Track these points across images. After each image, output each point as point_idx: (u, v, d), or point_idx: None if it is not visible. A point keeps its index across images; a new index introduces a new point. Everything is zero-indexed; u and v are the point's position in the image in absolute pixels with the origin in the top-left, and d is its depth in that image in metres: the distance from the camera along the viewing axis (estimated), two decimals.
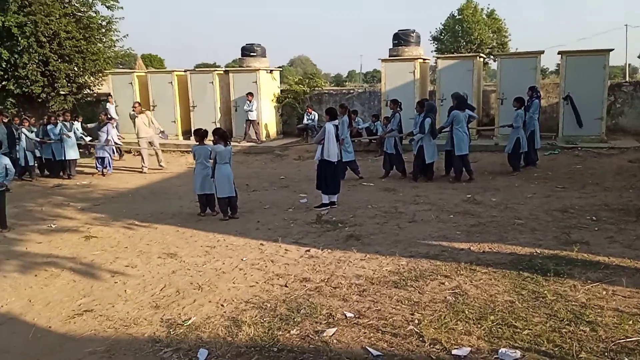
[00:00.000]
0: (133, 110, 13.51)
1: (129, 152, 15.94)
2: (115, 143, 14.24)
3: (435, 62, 14.12)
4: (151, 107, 16.15)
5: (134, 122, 13.53)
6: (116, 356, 4.24)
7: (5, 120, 12.58)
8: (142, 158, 13.60)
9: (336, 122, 8.79)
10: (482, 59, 15.19)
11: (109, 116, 14.84)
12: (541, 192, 9.26)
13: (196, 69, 19.29)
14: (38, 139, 12.64)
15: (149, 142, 13.56)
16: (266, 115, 16.11)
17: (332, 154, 8.64)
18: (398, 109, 11.20)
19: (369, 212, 8.48)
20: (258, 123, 15.62)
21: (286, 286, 5.54)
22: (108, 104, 16.16)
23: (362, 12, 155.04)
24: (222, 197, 8.49)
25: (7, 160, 8.41)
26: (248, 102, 15.27)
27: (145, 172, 13.40)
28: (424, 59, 14.63)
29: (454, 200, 8.98)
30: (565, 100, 12.60)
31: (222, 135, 8.57)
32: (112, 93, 16.91)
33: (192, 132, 13.07)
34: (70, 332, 4.78)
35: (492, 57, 38.69)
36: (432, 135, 10.46)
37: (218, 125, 14.94)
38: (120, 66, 22.36)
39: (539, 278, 5.27)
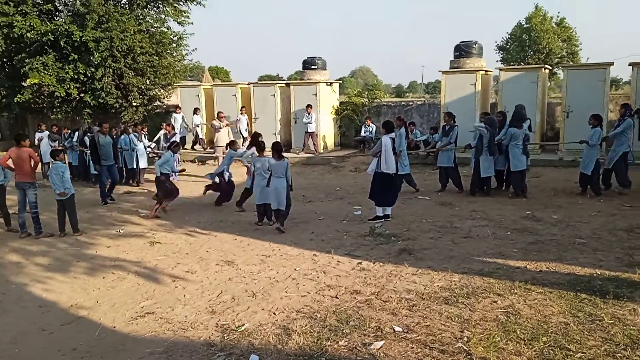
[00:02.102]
0: (218, 120, 14.34)
1: (193, 161, 16.61)
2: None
3: (498, 74, 13.86)
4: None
5: (215, 131, 14.33)
6: (173, 358, 4.49)
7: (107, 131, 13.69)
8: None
9: (393, 135, 8.83)
10: (547, 70, 14.69)
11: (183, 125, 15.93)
12: (606, 210, 8.87)
13: (259, 82, 19.88)
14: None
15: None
16: (324, 127, 16.34)
17: (390, 166, 8.68)
18: (452, 122, 11.10)
19: (424, 227, 8.45)
20: (316, 135, 15.87)
21: (337, 297, 5.64)
22: (175, 114, 16.95)
23: (426, 22, 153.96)
24: (273, 209, 8.76)
25: (66, 171, 8.99)
26: (307, 115, 15.57)
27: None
28: (486, 71, 14.37)
29: (513, 216, 8.77)
30: (636, 114, 11.98)
31: (275, 149, 8.75)
32: (181, 105, 17.72)
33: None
34: (133, 332, 5.09)
35: (560, 66, 37.38)
36: (489, 150, 10.26)
37: (278, 137, 15.37)
38: (189, 78, 23.42)
39: (597, 300, 5.09)
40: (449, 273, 6.14)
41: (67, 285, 6.51)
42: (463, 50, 14.41)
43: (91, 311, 5.69)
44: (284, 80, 18.80)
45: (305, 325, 4.93)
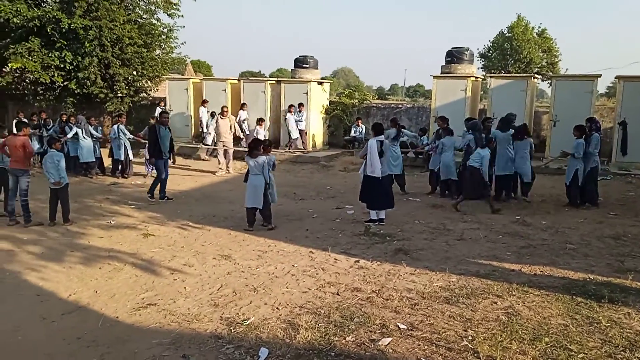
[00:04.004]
0: (221, 115, 14.15)
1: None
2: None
3: (488, 81, 14.13)
4: None
5: (217, 125, 14.13)
6: (182, 349, 4.49)
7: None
8: (218, 161, 14.24)
9: (381, 137, 8.77)
10: (536, 80, 15.04)
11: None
12: (592, 218, 9.12)
13: (250, 78, 19.80)
14: (101, 138, 13.33)
15: (225, 147, 14.05)
16: (314, 125, 16.40)
17: (375, 170, 8.65)
18: (447, 125, 11.26)
19: (417, 228, 8.57)
20: (306, 133, 15.91)
21: (338, 294, 5.69)
22: (202, 107, 16.42)
23: (409, 26, 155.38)
24: (247, 207, 8.60)
25: (62, 159, 8.86)
26: (298, 112, 15.59)
27: (218, 175, 13.99)
28: (476, 77, 14.63)
29: (503, 220, 8.96)
30: (620, 125, 12.36)
31: (249, 147, 8.71)
32: (168, 98, 17.53)
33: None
34: (137, 323, 5.07)
35: (540, 76, 38.24)
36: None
37: (267, 134, 15.35)
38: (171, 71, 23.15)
39: (593, 304, 5.25)
40: (447, 274, 6.26)
41: (63, 274, 6.43)
42: (455, 56, 14.66)
43: (91, 301, 5.63)
44: (272, 79, 18.67)
45: (311, 321, 4.97)
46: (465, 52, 14.72)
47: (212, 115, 15.66)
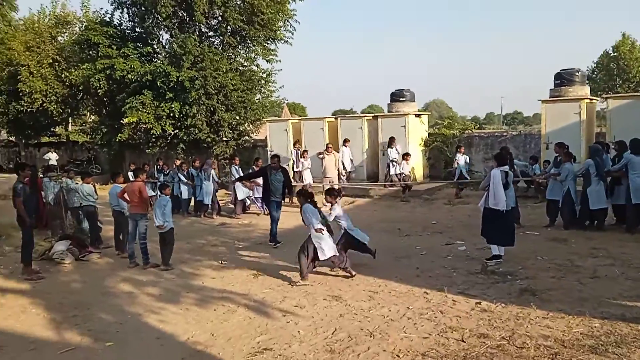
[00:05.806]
0: (326, 151, 14.42)
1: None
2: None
3: (606, 102, 13.03)
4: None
5: (323, 162, 14.36)
6: None
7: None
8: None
9: (505, 168, 8.23)
10: None
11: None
12: None
13: (346, 115, 19.98)
14: (218, 182, 13.94)
15: (330, 183, 14.11)
16: (413, 158, 15.97)
17: (499, 202, 8.05)
18: (566, 150, 10.41)
19: (540, 264, 7.84)
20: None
21: (463, 341, 5.23)
22: (343, 147, 16.00)
23: (503, 53, 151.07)
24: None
25: (168, 204, 9.00)
26: (390, 148, 15.28)
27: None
28: (591, 99, 13.57)
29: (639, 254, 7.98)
30: None
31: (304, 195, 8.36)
32: (269, 139, 18.05)
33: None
34: None
35: None
36: (601, 179, 9.60)
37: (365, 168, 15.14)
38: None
39: None
40: (587, 318, 5.56)
41: (181, 316, 6.52)
42: (564, 79, 13.70)
43: (208, 345, 5.61)
44: (369, 114, 18.60)
45: None
46: (577, 74, 13.69)
47: (302, 154, 15.69)
